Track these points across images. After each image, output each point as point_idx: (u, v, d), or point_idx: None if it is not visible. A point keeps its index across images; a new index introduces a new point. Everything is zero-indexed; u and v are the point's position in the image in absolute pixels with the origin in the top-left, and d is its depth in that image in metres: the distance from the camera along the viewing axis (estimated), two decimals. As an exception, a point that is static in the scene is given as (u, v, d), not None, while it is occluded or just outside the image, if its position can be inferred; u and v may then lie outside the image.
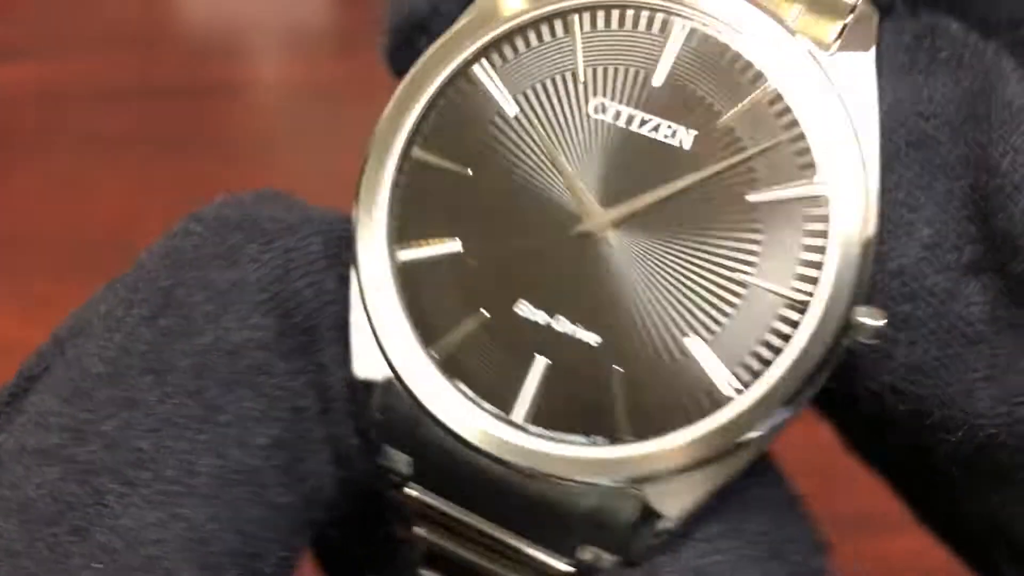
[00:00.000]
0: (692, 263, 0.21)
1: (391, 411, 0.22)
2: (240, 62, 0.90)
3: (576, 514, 0.21)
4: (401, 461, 0.23)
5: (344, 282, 0.24)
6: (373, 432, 0.23)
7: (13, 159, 0.73)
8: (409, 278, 0.23)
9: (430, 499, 0.23)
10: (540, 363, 0.21)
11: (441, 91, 0.23)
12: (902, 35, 0.23)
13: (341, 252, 0.24)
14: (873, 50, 0.21)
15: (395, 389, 0.22)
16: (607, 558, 0.22)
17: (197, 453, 0.22)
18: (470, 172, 0.23)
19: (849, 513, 0.35)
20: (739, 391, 0.20)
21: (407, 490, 0.23)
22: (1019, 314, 0.21)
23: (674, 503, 0.21)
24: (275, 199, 0.26)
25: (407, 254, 0.23)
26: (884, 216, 0.20)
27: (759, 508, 0.22)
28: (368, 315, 0.23)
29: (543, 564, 0.22)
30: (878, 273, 0.21)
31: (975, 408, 0.21)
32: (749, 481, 0.21)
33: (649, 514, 0.21)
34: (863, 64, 0.21)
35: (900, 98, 0.22)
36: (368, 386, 0.23)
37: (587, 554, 0.22)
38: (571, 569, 0.22)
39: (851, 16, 0.22)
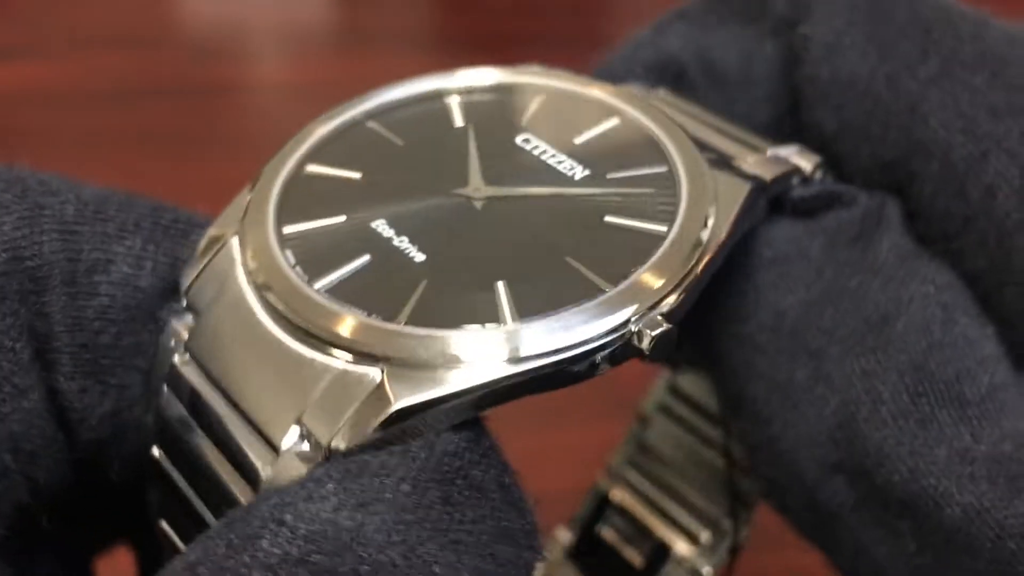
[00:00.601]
0: (532, 236, 0.25)
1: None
2: (241, 62, 0.90)
3: (308, 388, 0.22)
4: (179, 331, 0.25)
5: (95, 249, 0.25)
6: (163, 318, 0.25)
7: (13, 159, 0.73)
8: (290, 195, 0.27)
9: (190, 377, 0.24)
10: (364, 258, 0.24)
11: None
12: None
13: (99, 224, 0.25)
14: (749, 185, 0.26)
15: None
16: (309, 442, 0.22)
17: None
18: (400, 142, 0.28)
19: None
20: (512, 323, 0.23)
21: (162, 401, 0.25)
22: None
23: (407, 393, 0.21)
24: (69, 179, 0.27)
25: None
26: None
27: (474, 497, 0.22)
28: None
29: (247, 447, 0.23)
30: None
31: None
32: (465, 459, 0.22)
33: (379, 397, 0.22)
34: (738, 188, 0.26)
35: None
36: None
37: (292, 436, 0.22)
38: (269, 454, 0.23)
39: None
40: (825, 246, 0.27)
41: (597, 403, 0.40)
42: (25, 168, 0.26)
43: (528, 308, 0.23)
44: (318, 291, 0.23)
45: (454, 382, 0.22)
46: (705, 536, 0.37)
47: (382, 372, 0.22)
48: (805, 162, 0.27)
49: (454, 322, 0.22)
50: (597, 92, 0.29)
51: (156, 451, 0.25)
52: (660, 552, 0.38)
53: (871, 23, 0.28)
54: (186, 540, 0.25)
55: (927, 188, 0.27)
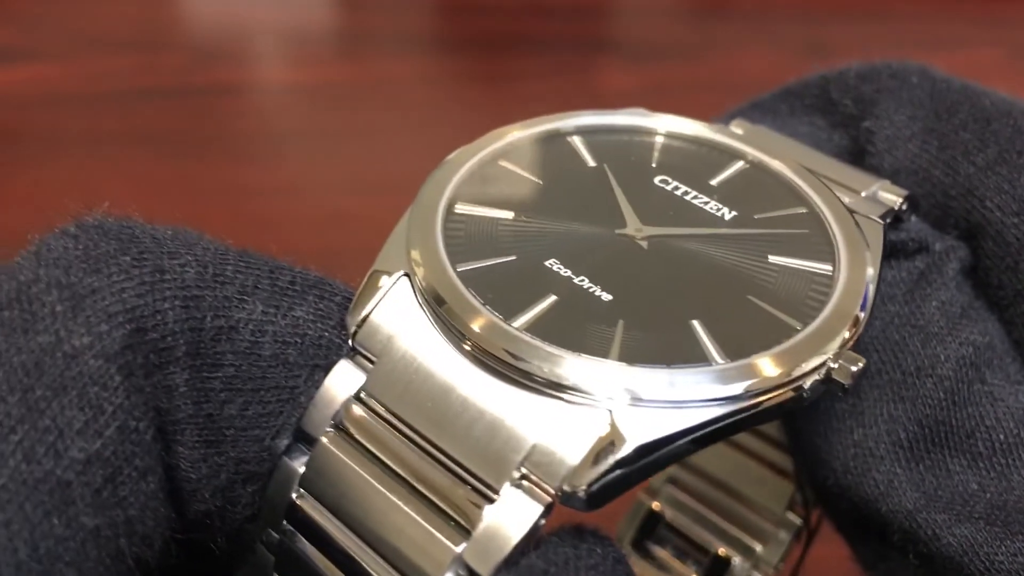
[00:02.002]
0: (708, 275, 0.26)
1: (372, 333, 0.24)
2: (241, 64, 0.90)
3: (530, 426, 0.22)
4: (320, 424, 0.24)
5: (217, 315, 0.23)
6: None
7: (15, 160, 0.73)
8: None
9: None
10: (551, 298, 0.25)
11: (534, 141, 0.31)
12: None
13: (218, 287, 0.24)
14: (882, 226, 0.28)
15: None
16: (542, 487, 0.22)
17: (4, 453, 0.20)
18: (540, 182, 0.29)
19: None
20: (722, 361, 0.23)
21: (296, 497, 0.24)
22: None
23: (637, 431, 0.22)
24: (170, 228, 0.25)
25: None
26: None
27: None
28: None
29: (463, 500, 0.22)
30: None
31: None
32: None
33: (610, 439, 0.22)
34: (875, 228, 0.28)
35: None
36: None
37: (516, 480, 0.22)
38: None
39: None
40: (879, 301, 0.28)
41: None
42: (134, 220, 0.24)
43: (732, 347, 0.23)
44: (521, 331, 0.23)
45: (682, 419, 0.22)
46: (760, 549, 0.37)
47: (610, 412, 0.22)
48: (895, 197, 0.29)
49: (663, 361, 0.23)
50: (715, 134, 0.31)
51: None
52: (718, 566, 0.38)
53: (933, 117, 0.30)
54: None
55: (982, 263, 0.29)
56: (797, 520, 0.37)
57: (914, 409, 0.27)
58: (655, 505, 0.40)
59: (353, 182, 0.73)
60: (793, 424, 0.30)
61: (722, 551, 0.38)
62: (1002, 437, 0.26)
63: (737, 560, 0.38)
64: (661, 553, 0.40)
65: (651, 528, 0.40)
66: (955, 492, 0.26)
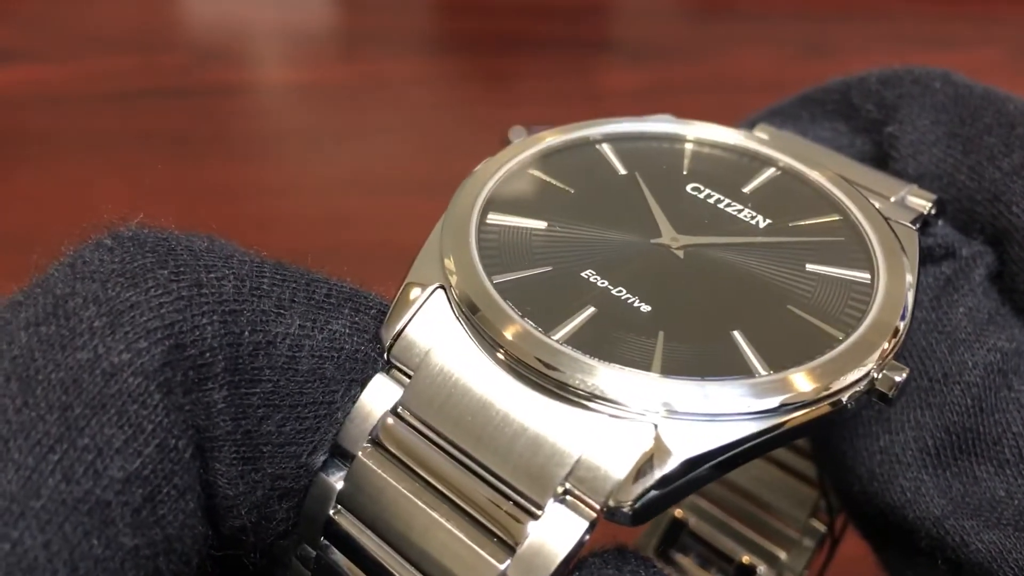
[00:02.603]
0: (747, 285, 0.25)
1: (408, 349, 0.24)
2: (241, 64, 0.90)
3: (573, 440, 0.22)
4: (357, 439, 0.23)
5: (255, 330, 0.23)
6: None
7: (15, 160, 0.73)
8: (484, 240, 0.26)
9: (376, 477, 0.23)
10: (590, 309, 0.24)
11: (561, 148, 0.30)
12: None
13: (256, 301, 0.23)
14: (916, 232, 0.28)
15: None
16: (586, 502, 0.21)
17: (44, 473, 0.20)
18: (571, 190, 0.29)
19: None
20: (765, 373, 0.23)
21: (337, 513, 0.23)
22: None
23: (682, 445, 0.21)
24: (204, 237, 0.25)
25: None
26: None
27: None
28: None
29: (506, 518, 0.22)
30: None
31: None
32: None
33: (654, 453, 0.21)
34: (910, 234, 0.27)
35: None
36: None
37: (559, 496, 0.21)
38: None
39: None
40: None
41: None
42: (169, 231, 0.24)
43: (775, 359, 0.23)
44: (561, 343, 0.23)
45: (728, 433, 0.22)
46: (784, 556, 0.37)
47: (654, 426, 0.22)
48: (924, 202, 0.29)
49: (705, 372, 0.22)
50: (746, 140, 0.30)
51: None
52: (743, 574, 0.38)
53: (957, 122, 0.30)
54: None
55: (1008, 268, 0.29)
56: (821, 527, 0.37)
57: (941, 416, 0.27)
58: (678, 513, 0.40)
59: (353, 182, 0.72)
60: (816, 431, 0.29)
61: (746, 559, 0.38)
62: None
63: (762, 568, 0.37)
64: (685, 561, 0.40)
65: (675, 536, 0.40)
66: (982, 499, 0.26)
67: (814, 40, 0.92)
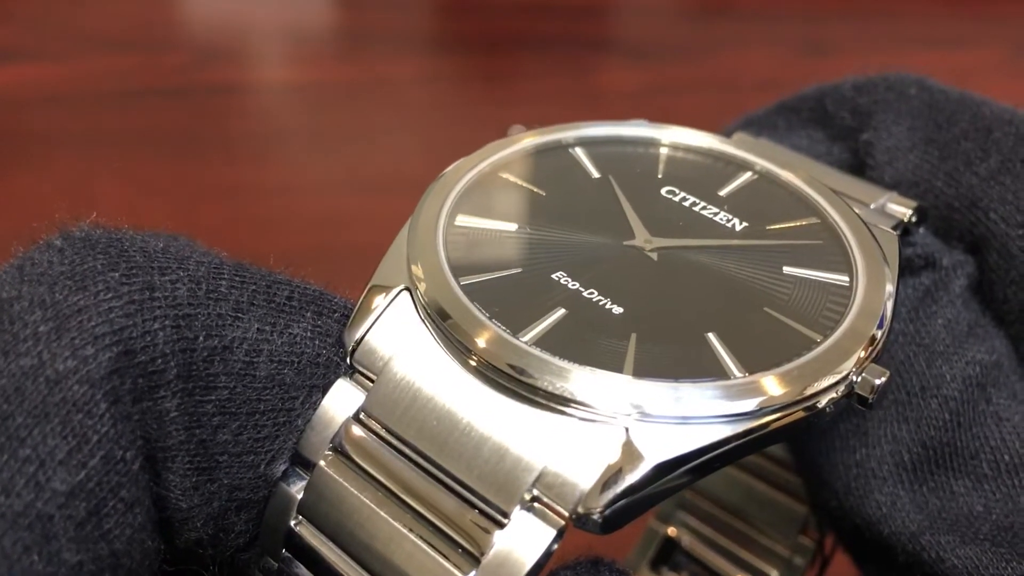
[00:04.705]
0: (722, 287, 0.25)
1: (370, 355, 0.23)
2: (241, 64, 0.90)
3: (541, 446, 0.21)
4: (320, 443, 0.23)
5: (210, 335, 0.22)
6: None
7: (15, 160, 0.73)
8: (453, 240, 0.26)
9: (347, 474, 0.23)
10: (560, 311, 0.24)
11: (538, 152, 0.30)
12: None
13: (212, 304, 0.22)
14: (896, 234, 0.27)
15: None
16: (554, 510, 0.21)
17: None
18: (543, 193, 0.28)
19: None
20: (740, 375, 0.22)
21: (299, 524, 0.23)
22: None
23: (654, 450, 0.21)
24: (162, 237, 0.24)
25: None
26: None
27: None
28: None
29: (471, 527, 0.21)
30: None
31: None
32: None
33: (624, 461, 0.21)
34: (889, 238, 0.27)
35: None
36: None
37: (526, 503, 0.21)
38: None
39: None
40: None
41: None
42: (124, 231, 0.23)
43: (750, 361, 0.22)
44: (530, 345, 0.22)
45: (701, 436, 0.21)
46: (775, 574, 0.37)
47: (626, 429, 0.21)
48: (904, 209, 0.28)
49: (678, 375, 0.22)
50: (722, 144, 0.30)
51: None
52: None
53: (932, 127, 0.30)
54: None
55: (987, 276, 0.28)
56: (810, 544, 0.36)
57: (918, 430, 0.26)
58: (671, 531, 0.39)
59: (352, 182, 0.72)
60: (796, 443, 0.29)
61: None
62: (1007, 458, 0.26)
63: None
64: None
65: (667, 554, 0.39)
66: (959, 514, 0.25)
67: (814, 40, 0.92)
